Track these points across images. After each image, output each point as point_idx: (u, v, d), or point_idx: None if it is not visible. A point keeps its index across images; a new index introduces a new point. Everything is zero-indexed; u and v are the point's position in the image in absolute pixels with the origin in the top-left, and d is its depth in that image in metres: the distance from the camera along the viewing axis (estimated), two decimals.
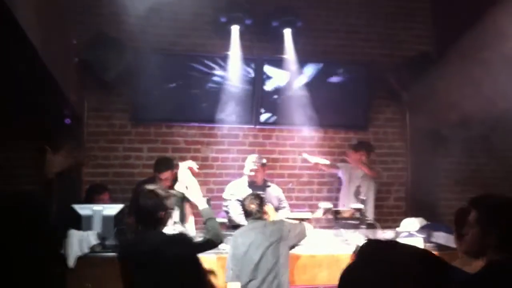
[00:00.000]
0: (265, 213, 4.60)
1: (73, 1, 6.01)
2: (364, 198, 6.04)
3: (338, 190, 6.86)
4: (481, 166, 6.89)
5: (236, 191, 5.69)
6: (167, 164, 5.55)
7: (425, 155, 6.76)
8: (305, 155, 6.40)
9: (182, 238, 3.63)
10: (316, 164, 6.42)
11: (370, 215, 6.21)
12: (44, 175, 3.24)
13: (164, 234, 3.59)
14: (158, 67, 6.38)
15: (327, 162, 6.49)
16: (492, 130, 5.63)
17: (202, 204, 3.83)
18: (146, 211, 3.46)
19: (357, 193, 6.39)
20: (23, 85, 4.32)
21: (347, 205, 6.08)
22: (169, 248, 3.39)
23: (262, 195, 4.74)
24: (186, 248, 3.51)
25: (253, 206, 4.52)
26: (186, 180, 4.05)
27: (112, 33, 6.12)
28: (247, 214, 4.57)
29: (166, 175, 5.46)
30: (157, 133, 6.68)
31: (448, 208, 6.88)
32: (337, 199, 6.67)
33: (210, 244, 3.67)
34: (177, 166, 4.88)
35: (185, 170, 4.26)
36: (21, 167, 6.10)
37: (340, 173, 6.67)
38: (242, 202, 4.65)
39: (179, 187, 4.32)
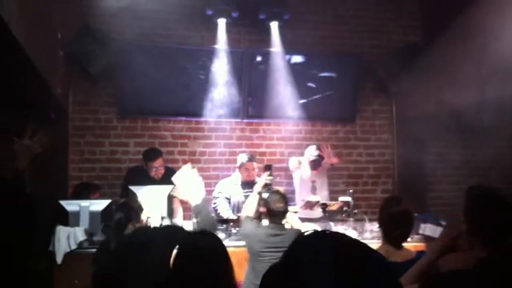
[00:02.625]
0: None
1: None
2: (351, 191, 5.98)
3: None
4: (469, 157, 6.92)
5: (226, 189, 5.71)
6: (157, 152, 5.83)
7: (412, 147, 6.77)
8: (290, 162, 6.32)
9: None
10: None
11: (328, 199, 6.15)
12: (15, 168, 3.19)
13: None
14: (144, 60, 6.30)
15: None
16: (480, 120, 5.65)
17: (195, 201, 3.73)
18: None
19: (313, 189, 6.26)
20: (7, 79, 4.26)
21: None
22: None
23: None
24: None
25: (281, 205, 4.34)
26: (184, 181, 3.95)
27: (97, 26, 6.07)
28: (273, 215, 4.35)
29: (159, 162, 5.66)
30: (143, 127, 6.63)
31: (436, 199, 6.94)
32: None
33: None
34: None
35: (185, 172, 4.13)
36: (8, 160, 6.02)
37: (294, 176, 6.52)
38: (267, 200, 4.41)
39: (177, 193, 4.45)
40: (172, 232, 3.65)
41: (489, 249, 2.31)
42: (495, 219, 2.37)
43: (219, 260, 2.54)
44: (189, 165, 4.00)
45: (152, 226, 4.07)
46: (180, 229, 3.78)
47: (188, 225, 4.68)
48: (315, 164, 6.16)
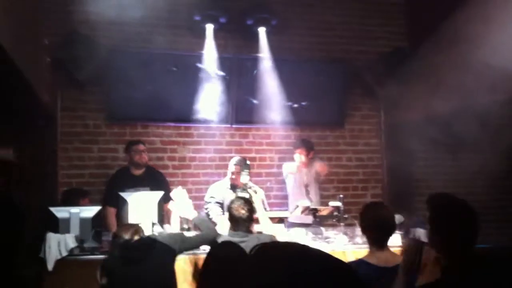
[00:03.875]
0: (254, 221, 4.37)
1: (44, 0, 5.91)
2: (341, 196, 5.99)
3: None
4: (457, 161, 6.96)
5: (218, 193, 5.66)
6: (137, 140, 6.03)
7: (401, 152, 6.80)
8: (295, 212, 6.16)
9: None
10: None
11: (320, 203, 6.20)
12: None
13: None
14: (132, 66, 6.28)
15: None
16: (467, 126, 5.69)
17: (192, 215, 4.43)
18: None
19: (307, 193, 6.26)
20: None
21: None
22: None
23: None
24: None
25: (243, 212, 4.14)
26: (180, 200, 4.55)
27: (85, 32, 6.03)
28: (234, 221, 4.18)
29: (141, 147, 5.81)
30: (132, 133, 6.59)
31: (424, 203, 6.95)
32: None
33: (200, 238, 4.19)
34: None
35: (179, 193, 4.58)
36: None
37: (287, 182, 6.57)
38: (230, 206, 4.26)
39: (172, 205, 4.69)
40: (173, 239, 3.95)
41: (452, 258, 2.31)
42: (456, 227, 2.37)
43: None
44: (180, 188, 4.60)
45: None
46: (180, 236, 4.06)
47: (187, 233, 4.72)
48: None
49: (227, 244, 3.13)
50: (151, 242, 3.80)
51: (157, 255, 3.73)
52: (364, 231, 3.20)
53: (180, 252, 4.05)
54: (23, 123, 5.71)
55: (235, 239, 3.99)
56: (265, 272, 1.05)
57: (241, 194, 4.81)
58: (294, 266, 1.04)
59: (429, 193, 2.54)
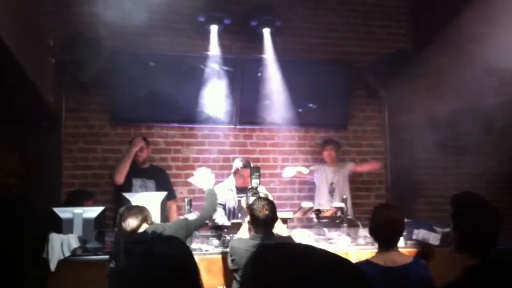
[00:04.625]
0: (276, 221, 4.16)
1: (49, 2, 5.94)
2: (344, 197, 6.01)
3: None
4: (461, 162, 6.95)
5: (220, 195, 5.66)
6: (140, 136, 6.05)
7: (404, 153, 6.80)
8: (285, 172, 6.35)
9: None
10: (300, 173, 6.37)
11: (348, 207, 6.24)
12: None
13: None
14: (136, 67, 6.33)
15: (306, 170, 6.44)
16: (470, 127, 5.68)
17: (207, 187, 4.62)
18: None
19: (331, 191, 6.41)
20: None
21: (324, 205, 6.08)
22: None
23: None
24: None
25: (266, 213, 3.90)
26: (204, 175, 4.70)
27: (89, 33, 6.05)
28: (258, 222, 3.94)
29: (141, 143, 5.83)
30: (136, 134, 6.58)
31: (428, 205, 6.95)
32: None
33: (202, 217, 4.33)
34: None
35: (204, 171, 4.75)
36: (1, 168, 6.03)
37: (314, 177, 6.69)
38: (251, 208, 4.01)
39: (196, 182, 4.78)
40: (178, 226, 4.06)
41: (476, 258, 2.31)
42: (480, 226, 2.38)
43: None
44: (205, 168, 4.75)
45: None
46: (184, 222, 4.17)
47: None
48: None
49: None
50: (157, 233, 3.78)
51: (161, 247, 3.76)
52: (373, 232, 3.22)
53: (187, 236, 4.12)
54: (28, 124, 5.74)
55: (258, 242, 3.84)
56: (272, 273, 1.05)
57: (252, 197, 4.68)
58: (300, 267, 1.04)
59: (454, 194, 2.54)
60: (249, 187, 4.90)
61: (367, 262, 3.11)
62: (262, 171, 6.78)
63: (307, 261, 1.06)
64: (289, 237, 4.30)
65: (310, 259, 1.07)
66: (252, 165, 5.61)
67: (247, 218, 4.22)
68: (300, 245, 1.14)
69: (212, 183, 4.67)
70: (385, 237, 3.16)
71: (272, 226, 4.02)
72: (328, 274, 1.03)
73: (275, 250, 1.14)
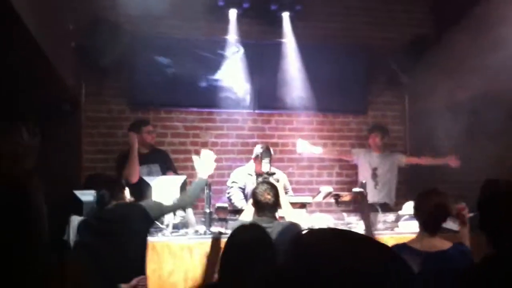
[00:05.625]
0: (279, 206, 4.22)
1: None
2: (364, 181, 5.97)
3: (339, 174, 6.89)
4: (482, 150, 6.87)
5: (240, 179, 5.68)
6: (145, 120, 6.12)
7: (425, 139, 6.74)
8: (299, 146, 6.31)
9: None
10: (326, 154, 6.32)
11: (391, 198, 6.36)
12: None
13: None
14: (156, 52, 6.35)
15: (320, 150, 6.43)
16: (492, 113, 5.61)
17: (203, 175, 4.46)
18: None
19: (374, 176, 6.37)
20: (20, 70, 4.28)
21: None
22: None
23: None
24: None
25: (269, 197, 3.98)
26: (207, 160, 4.54)
27: (109, 18, 6.05)
28: (260, 206, 4.02)
29: (148, 128, 5.83)
30: (156, 118, 6.63)
31: (448, 191, 6.87)
32: (338, 183, 6.67)
33: (177, 204, 4.29)
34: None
35: (208, 154, 4.60)
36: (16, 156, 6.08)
37: (355, 160, 6.67)
38: (254, 191, 4.11)
39: (197, 164, 4.58)
40: (147, 210, 3.93)
41: (497, 245, 2.29)
42: (507, 214, 2.35)
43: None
44: (208, 151, 4.57)
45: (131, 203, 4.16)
46: (157, 205, 4.07)
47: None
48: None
49: (251, 226, 3.09)
50: (126, 212, 3.87)
51: (132, 225, 3.79)
52: (418, 215, 3.26)
53: (156, 219, 4.16)
54: (48, 108, 5.78)
55: (262, 224, 3.90)
56: (309, 259, 1.05)
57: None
58: (339, 252, 1.04)
59: (484, 180, 2.52)
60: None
61: (403, 246, 3.16)
62: (280, 156, 6.84)
63: (346, 244, 1.07)
64: (295, 223, 4.24)
65: (349, 243, 1.08)
66: (272, 150, 5.59)
67: (251, 201, 4.28)
68: (336, 229, 1.14)
69: (208, 172, 4.52)
70: (429, 222, 3.19)
71: (275, 210, 4.10)
72: (365, 257, 1.04)
73: (314, 233, 1.15)
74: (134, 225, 3.80)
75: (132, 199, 4.20)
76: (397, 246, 3.14)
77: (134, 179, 5.42)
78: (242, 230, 2.86)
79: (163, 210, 4.14)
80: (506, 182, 2.50)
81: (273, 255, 2.64)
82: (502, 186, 2.47)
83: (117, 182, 4.12)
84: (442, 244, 3.13)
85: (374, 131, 6.62)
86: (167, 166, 5.77)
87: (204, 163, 4.50)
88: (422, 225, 3.21)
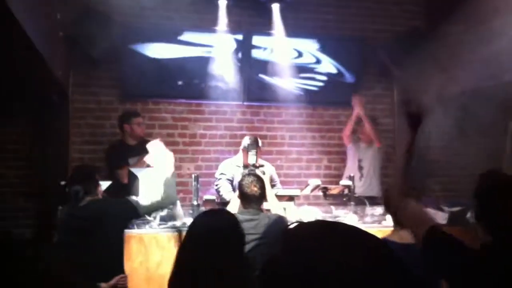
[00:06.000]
0: (265, 198, 4.23)
1: None
2: (352, 175, 5.97)
3: (327, 167, 6.91)
4: (471, 143, 6.90)
5: (228, 170, 5.66)
6: (135, 111, 6.08)
7: None
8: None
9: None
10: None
11: (376, 189, 6.36)
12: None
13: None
14: (145, 42, 6.30)
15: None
16: (483, 107, 5.63)
17: (168, 172, 3.97)
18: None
19: (360, 168, 6.39)
20: (7, 60, 4.23)
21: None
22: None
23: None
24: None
25: (255, 190, 3.99)
26: (157, 152, 4.08)
27: (99, 7, 6.00)
28: (245, 198, 4.04)
29: (138, 120, 5.85)
30: (144, 110, 6.58)
31: (437, 184, 6.94)
32: (326, 176, 6.68)
33: (155, 205, 3.91)
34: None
35: (156, 144, 4.17)
36: (8, 143, 6.07)
37: (348, 149, 6.69)
38: (240, 183, 4.12)
39: (149, 160, 4.25)
40: (125, 206, 3.80)
41: (495, 235, 2.31)
42: (504, 206, 2.37)
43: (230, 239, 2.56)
44: (158, 140, 4.16)
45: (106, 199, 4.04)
46: (133, 204, 3.88)
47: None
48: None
49: (212, 213, 3.01)
50: (100, 210, 3.71)
51: (107, 224, 3.64)
52: (389, 211, 3.39)
53: (131, 219, 4.01)
54: (36, 98, 5.73)
55: (246, 216, 3.92)
56: (300, 249, 1.05)
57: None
58: (328, 242, 1.05)
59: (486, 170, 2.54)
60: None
61: (384, 240, 3.14)
62: (269, 148, 6.83)
63: (336, 237, 1.07)
64: (280, 215, 4.24)
65: (339, 235, 1.08)
66: (260, 142, 5.58)
67: (237, 193, 4.27)
68: (326, 221, 1.15)
69: (170, 167, 4.02)
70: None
71: (261, 203, 4.11)
72: (357, 249, 1.04)
73: (304, 227, 1.14)
74: (109, 223, 3.64)
75: (105, 195, 4.10)
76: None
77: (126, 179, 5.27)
78: (201, 218, 2.79)
79: (139, 211, 3.83)
80: (504, 174, 2.52)
81: (237, 244, 2.57)
82: (501, 177, 2.49)
83: (92, 177, 3.84)
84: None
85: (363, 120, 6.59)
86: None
87: (158, 156, 4.07)
88: (394, 218, 3.34)
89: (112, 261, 3.69)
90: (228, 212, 2.96)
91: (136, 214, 3.85)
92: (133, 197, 3.92)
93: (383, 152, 6.66)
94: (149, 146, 4.18)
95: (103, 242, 3.57)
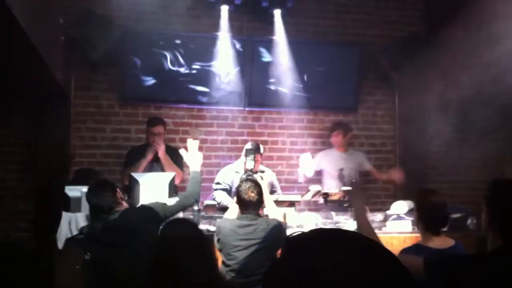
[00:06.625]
0: (263, 204, 4.26)
1: None
2: (353, 180, 5.97)
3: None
4: (472, 149, 6.91)
5: (225, 177, 5.65)
6: (157, 119, 5.87)
7: (414, 138, 6.75)
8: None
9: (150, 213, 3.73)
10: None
11: None
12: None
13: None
14: (147, 47, 6.31)
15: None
16: (483, 112, 5.63)
17: (194, 168, 4.24)
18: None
19: (341, 177, 6.29)
20: (8, 63, 4.24)
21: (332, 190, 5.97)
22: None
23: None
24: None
25: (252, 195, 4.01)
26: (193, 151, 4.33)
27: (100, 11, 6.01)
28: (243, 204, 4.05)
29: (158, 129, 5.66)
30: (145, 114, 6.57)
31: (439, 190, 6.91)
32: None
33: (180, 204, 4.01)
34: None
35: (193, 144, 4.40)
36: (8, 146, 6.06)
37: (321, 166, 6.49)
38: (237, 189, 4.15)
39: (185, 156, 4.40)
40: (154, 212, 3.73)
41: (507, 240, 2.33)
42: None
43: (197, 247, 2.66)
44: (192, 141, 4.41)
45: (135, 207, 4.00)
46: (161, 207, 3.83)
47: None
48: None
49: (179, 222, 3.07)
50: (134, 219, 3.61)
51: (141, 234, 3.52)
52: (423, 216, 3.35)
53: (163, 222, 3.85)
54: (37, 101, 5.73)
55: (244, 222, 3.98)
56: (303, 258, 1.04)
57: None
58: (334, 251, 1.03)
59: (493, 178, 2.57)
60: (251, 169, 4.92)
61: (418, 246, 3.30)
62: (270, 154, 6.83)
63: (339, 244, 1.06)
64: (278, 220, 4.24)
65: (342, 242, 1.06)
66: (261, 148, 5.57)
67: (235, 199, 4.28)
68: (328, 229, 1.14)
69: (199, 163, 4.31)
70: (434, 221, 3.30)
71: (258, 208, 4.13)
72: (360, 256, 1.03)
73: (306, 234, 1.12)
74: (143, 232, 3.50)
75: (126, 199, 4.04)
76: (411, 247, 3.34)
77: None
78: (169, 226, 2.89)
79: (165, 213, 3.80)
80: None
81: (200, 247, 2.68)
82: (507, 185, 2.51)
83: (114, 189, 3.74)
84: (449, 241, 3.27)
85: (336, 128, 6.54)
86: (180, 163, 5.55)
87: (192, 155, 4.34)
88: (426, 224, 3.32)
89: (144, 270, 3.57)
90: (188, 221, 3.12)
91: (165, 217, 3.78)
92: (158, 201, 3.96)
93: (359, 156, 6.61)
94: (188, 142, 4.44)
95: (137, 252, 3.39)
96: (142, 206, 3.89)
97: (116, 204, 3.64)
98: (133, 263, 3.31)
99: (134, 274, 3.27)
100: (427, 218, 3.31)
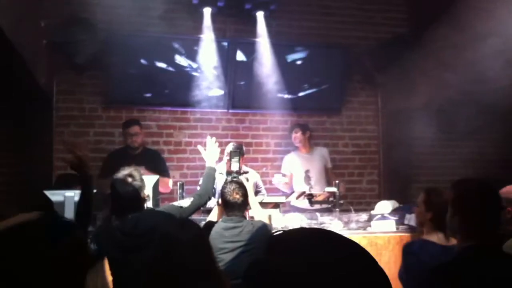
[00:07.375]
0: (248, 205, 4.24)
1: None
2: (337, 181, 5.96)
3: None
4: (454, 149, 6.97)
5: None
6: (134, 120, 5.97)
7: (398, 139, 6.80)
8: (275, 180, 6.08)
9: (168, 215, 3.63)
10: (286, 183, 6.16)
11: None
12: None
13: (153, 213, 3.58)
14: (129, 50, 6.28)
15: (286, 179, 6.20)
16: (466, 113, 5.69)
17: (211, 164, 4.26)
18: (127, 198, 3.42)
19: (307, 179, 6.29)
20: None
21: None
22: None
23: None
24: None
25: (237, 197, 3.99)
26: (211, 149, 4.33)
27: (82, 14, 5.97)
28: (228, 206, 4.03)
29: (135, 129, 5.73)
30: (128, 117, 6.50)
31: (420, 190, 6.95)
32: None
33: (196, 203, 3.89)
34: None
35: (211, 142, 4.39)
36: None
37: (290, 170, 6.44)
38: (222, 191, 4.11)
39: (203, 153, 4.41)
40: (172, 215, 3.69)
41: (475, 240, 2.32)
42: (480, 211, 2.38)
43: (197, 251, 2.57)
44: (212, 138, 4.39)
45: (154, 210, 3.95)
46: (178, 209, 3.79)
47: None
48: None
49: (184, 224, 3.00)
50: (154, 221, 3.58)
51: (162, 238, 3.48)
52: (430, 211, 3.34)
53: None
54: (19, 105, 5.68)
55: (229, 224, 3.96)
56: (286, 258, 1.05)
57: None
58: (316, 252, 1.05)
59: (457, 179, 2.57)
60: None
61: (424, 241, 3.29)
62: (254, 155, 6.84)
63: (324, 246, 1.07)
64: (263, 222, 4.21)
65: (328, 245, 1.08)
66: (244, 149, 5.56)
67: (219, 201, 4.27)
68: (311, 228, 1.15)
69: (215, 159, 4.34)
70: (440, 217, 3.22)
71: (244, 210, 4.11)
72: (345, 261, 1.04)
73: (290, 234, 1.14)
74: (166, 236, 3.44)
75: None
76: (417, 241, 3.35)
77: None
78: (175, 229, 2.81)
79: (183, 215, 3.73)
80: (478, 181, 2.53)
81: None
82: (473, 185, 2.50)
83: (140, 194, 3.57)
84: (449, 238, 3.26)
85: (294, 127, 6.51)
86: (154, 167, 5.57)
87: (210, 151, 4.34)
88: (433, 220, 3.30)
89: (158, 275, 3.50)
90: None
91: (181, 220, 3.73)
92: (174, 202, 3.93)
93: (323, 152, 6.59)
94: (207, 140, 4.44)
95: (156, 256, 3.28)
96: (159, 211, 3.79)
97: (142, 200, 3.55)
98: (150, 268, 3.25)
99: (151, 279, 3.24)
100: (438, 215, 3.27)
